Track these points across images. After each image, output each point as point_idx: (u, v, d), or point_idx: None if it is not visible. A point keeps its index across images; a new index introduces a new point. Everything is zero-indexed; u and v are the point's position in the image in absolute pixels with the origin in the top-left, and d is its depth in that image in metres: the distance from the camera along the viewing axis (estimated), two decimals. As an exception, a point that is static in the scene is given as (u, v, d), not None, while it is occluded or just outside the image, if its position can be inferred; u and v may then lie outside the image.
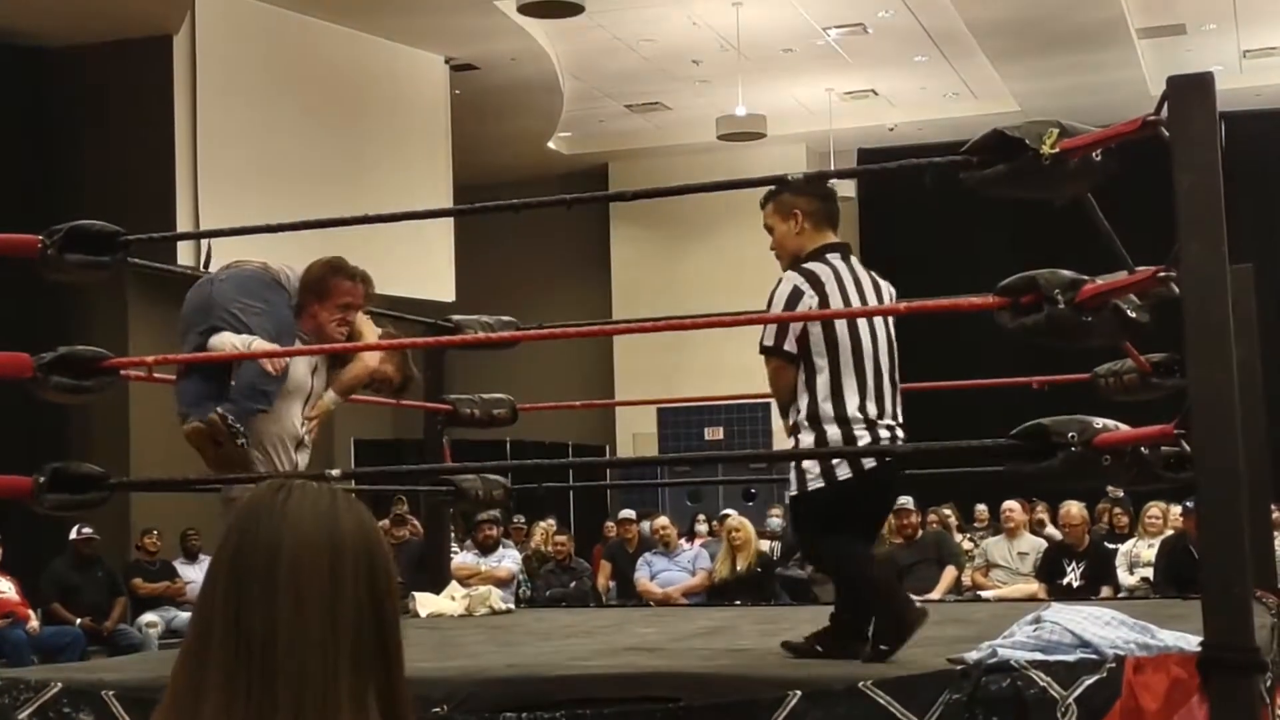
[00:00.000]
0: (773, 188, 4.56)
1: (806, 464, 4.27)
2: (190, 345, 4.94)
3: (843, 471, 4.22)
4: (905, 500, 10.57)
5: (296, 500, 1.51)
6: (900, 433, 4.38)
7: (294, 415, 5.08)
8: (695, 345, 16.66)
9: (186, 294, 5.12)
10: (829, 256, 4.40)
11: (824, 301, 4.28)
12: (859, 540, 4.40)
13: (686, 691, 3.62)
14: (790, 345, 4.31)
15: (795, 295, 4.31)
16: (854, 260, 4.47)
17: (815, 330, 4.28)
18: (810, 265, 4.38)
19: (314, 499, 1.52)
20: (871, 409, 4.29)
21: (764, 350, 4.38)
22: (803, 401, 4.32)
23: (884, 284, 4.50)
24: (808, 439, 4.30)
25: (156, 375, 5.05)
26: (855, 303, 4.33)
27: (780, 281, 4.38)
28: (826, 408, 4.28)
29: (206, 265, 5.47)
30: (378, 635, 1.49)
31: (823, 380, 4.28)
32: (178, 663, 1.49)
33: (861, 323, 4.31)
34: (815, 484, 4.26)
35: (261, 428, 4.97)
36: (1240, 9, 14.27)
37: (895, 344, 4.43)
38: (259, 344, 4.77)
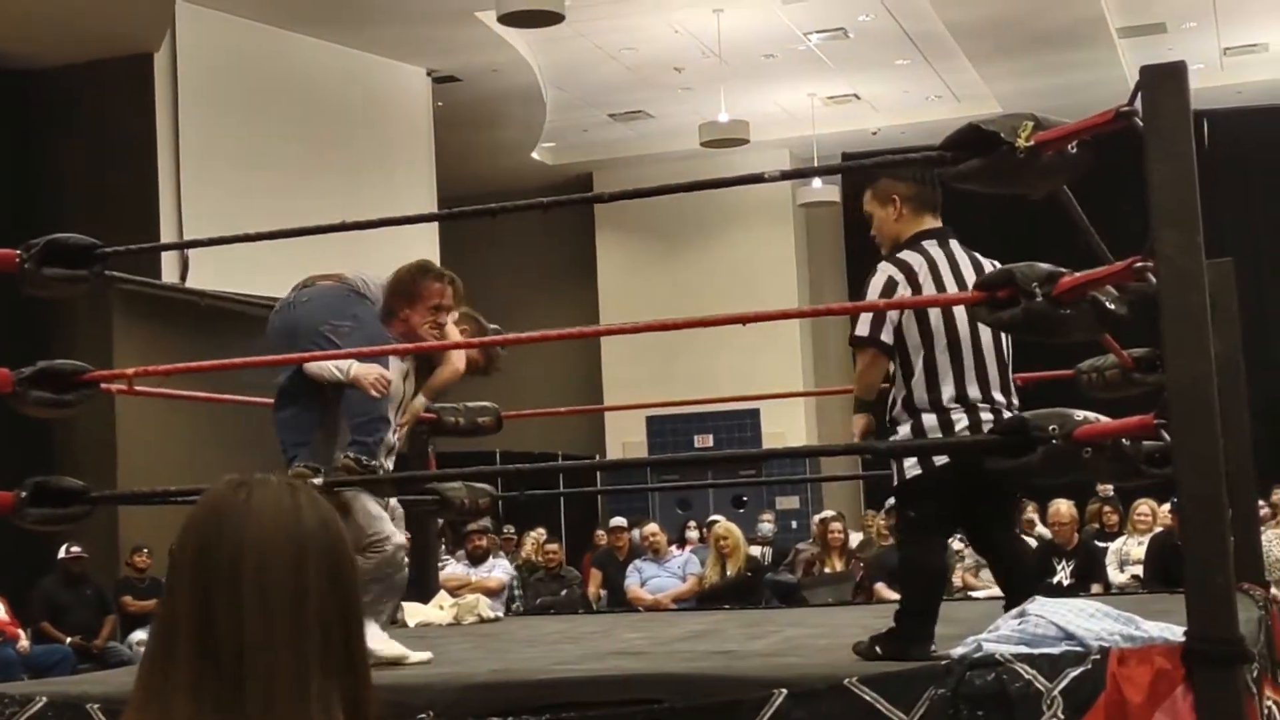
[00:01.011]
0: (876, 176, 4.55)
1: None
2: (282, 373, 4.97)
3: (940, 458, 4.18)
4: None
5: (259, 498, 1.49)
6: (1010, 415, 4.30)
7: (389, 422, 5.05)
8: (684, 353, 16.67)
9: (269, 319, 5.10)
10: (924, 244, 4.39)
11: (917, 292, 4.26)
12: (943, 545, 4.42)
13: (671, 693, 3.61)
14: (886, 335, 4.29)
15: (890, 286, 4.30)
16: (954, 244, 4.43)
17: (910, 321, 4.27)
18: (904, 254, 4.37)
19: (276, 496, 1.49)
20: (973, 392, 4.26)
21: (857, 341, 4.35)
22: (900, 393, 4.31)
23: (987, 262, 4.44)
24: (904, 429, 4.29)
25: (138, 389, 5.02)
26: (953, 289, 4.28)
27: (875, 271, 4.38)
28: (923, 396, 4.26)
29: (184, 278, 5.47)
30: (344, 633, 1.47)
31: (919, 369, 4.27)
32: (142, 667, 1.47)
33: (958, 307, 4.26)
34: (913, 471, 4.23)
35: None
36: (1220, 7, 14.31)
37: None
38: (357, 368, 4.73)
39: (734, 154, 15.75)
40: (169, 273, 11.55)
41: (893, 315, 4.28)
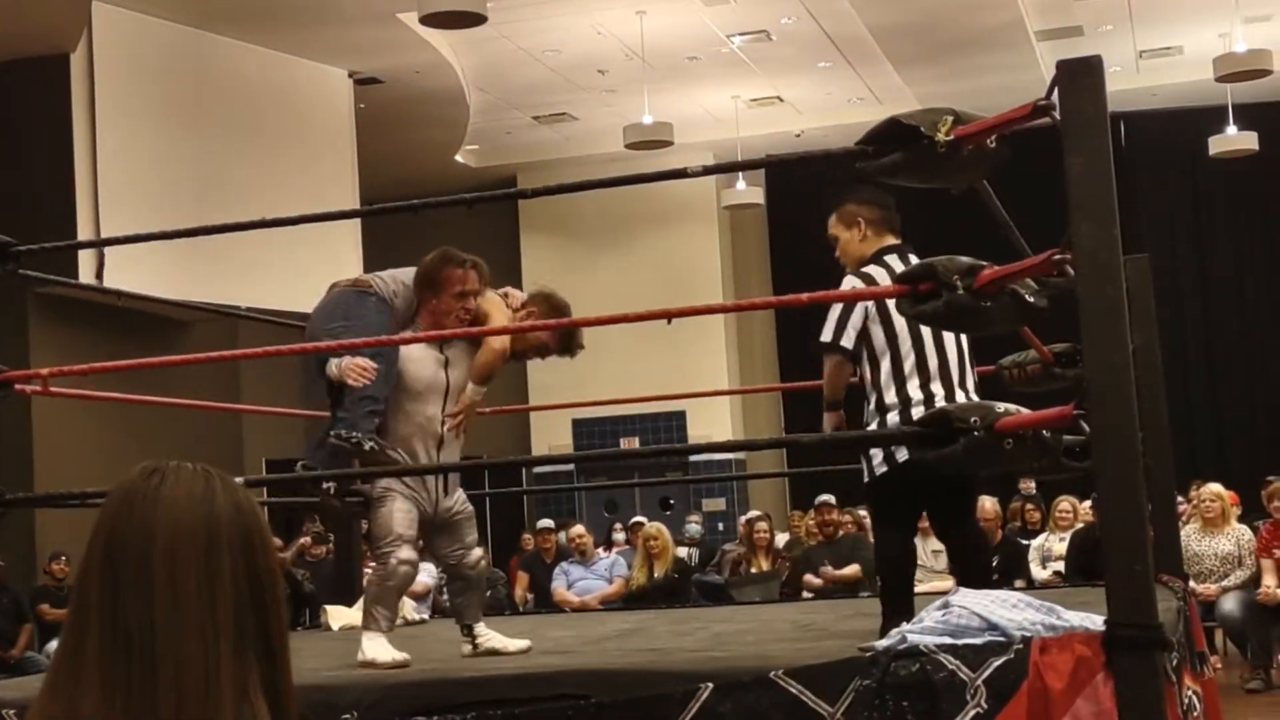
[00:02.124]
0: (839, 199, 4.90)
1: (873, 451, 4.57)
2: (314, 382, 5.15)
3: (901, 455, 4.46)
4: (826, 497, 10.61)
5: (171, 485, 1.47)
6: None
7: (430, 414, 5.01)
8: (610, 356, 16.62)
9: None
10: (886, 258, 4.72)
11: (879, 303, 4.56)
12: (911, 537, 4.74)
13: (598, 689, 3.60)
14: (848, 341, 4.61)
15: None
16: (913, 258, 4.67)
17: (875, 329, 4.59)
18: (869, 268, 4.69)
19: (189, 482, 1.48)
20: (937, 389, 4.53)
21: (821, 347, 4.67)
22: (873, 396, 4.62)
23: None
24: (873, 429, 4.59)
25: (53, 389, 4.94)
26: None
27: (842, 284, 4.72)
28: (890, 396, 4.56)
29: (100, 277, 5.41)
30: (258, 618, 1.45)
31: (885, 371, 4.58)
32: (55, 656, 1.45)
33: None
34: (881, 469, 4.54)
35: (400, 431, 4.97)
36: (1136, 10, 14.50)
37: None
38: (332, 363, 4.81)
39: (658, 156, 15.72)
40: (86, 276, 11.39)
41: (855, 322, 4.61)
